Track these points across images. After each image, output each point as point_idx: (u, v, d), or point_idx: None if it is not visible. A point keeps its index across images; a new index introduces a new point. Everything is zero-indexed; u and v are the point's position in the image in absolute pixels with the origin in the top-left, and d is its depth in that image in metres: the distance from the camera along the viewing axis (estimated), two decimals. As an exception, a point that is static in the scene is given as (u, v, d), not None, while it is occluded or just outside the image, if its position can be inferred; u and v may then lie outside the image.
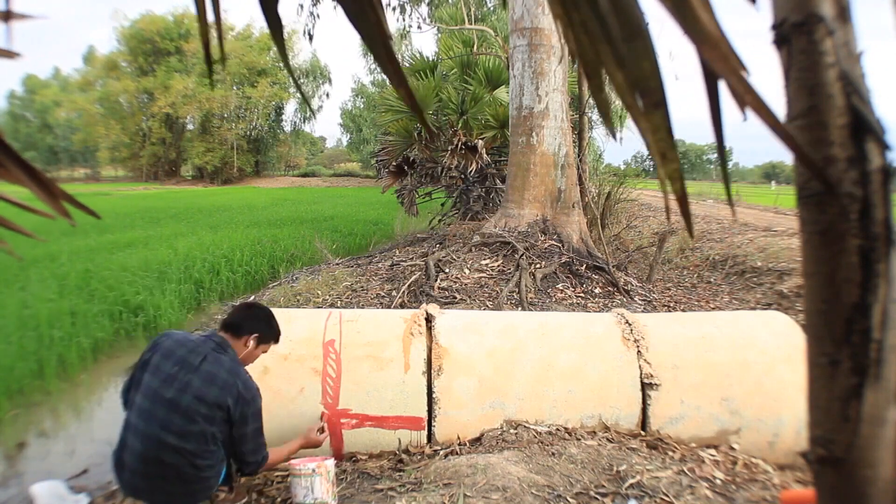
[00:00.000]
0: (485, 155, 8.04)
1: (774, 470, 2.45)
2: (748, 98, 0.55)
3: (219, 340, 2.14)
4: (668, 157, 0.59)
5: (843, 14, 0.60)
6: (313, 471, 2.10)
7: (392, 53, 0.62)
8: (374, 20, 0.61)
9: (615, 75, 0.58)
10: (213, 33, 0.69)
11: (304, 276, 6.99)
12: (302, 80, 46.86)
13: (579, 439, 2.51)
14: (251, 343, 2.19)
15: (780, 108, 0.62)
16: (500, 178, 8.71)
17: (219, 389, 2.02)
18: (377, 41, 0.61)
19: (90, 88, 47.92)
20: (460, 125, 8.45)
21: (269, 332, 2.25)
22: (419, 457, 2.49)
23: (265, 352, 2.28)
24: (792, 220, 11.13)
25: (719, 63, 0.55)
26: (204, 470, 2.05)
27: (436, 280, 5.21)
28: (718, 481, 2.23)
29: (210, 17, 0.67)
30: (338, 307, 5.07)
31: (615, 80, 0.58)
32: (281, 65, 46.10)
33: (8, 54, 0.72)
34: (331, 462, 2.18)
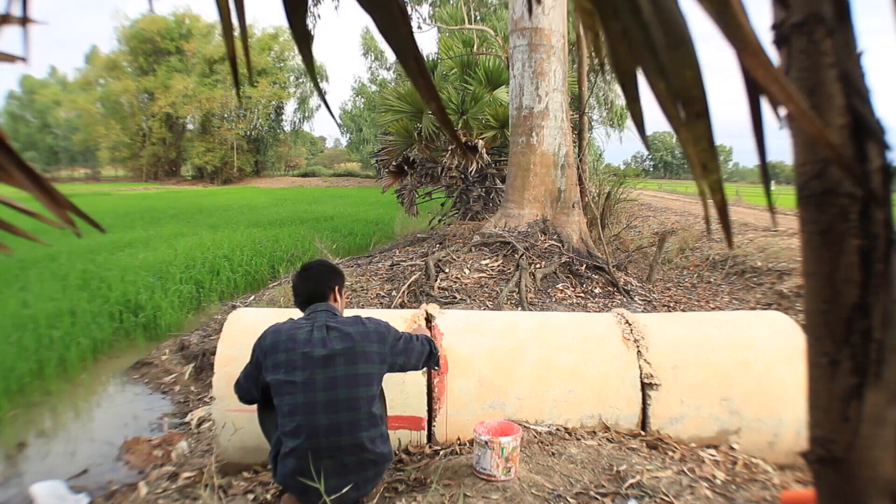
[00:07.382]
0: (485, 155, 8.04)
1: (774, 470, 2.45)
2: (791, 106, 0.54)
3: (324, 308, 2.09)
4: (708, 167, 0.58)
5: (843, 14, 0.60)
6: (486, 443, 2.15)
7: (423, 67, 0.61)
8: (406, 33, 0.60)
9: (657, 85, 0.57)
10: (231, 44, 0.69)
11: (304, 276, 6.97)
12: (301, 80, 46.89)
13: (579, 439, 2.51)
14: (338, 297, 2.19)
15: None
16: (500, 178, 8.70)
17: (359, 341, 1.98)
18: (408, 55, 0.61)
19: (91, 88, 48.00)
20: (460, 125, 8.45)
21: (340, 277, 2.23)
22: (419, 457, 2.49)
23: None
24: (792, 220, 11.12)
25: (759, 71, 0.54)
26: (378, 443, 1.98)
27: (436, 280, 5.21)
28: (718, 481, 2.23)
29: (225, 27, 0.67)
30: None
31: (656, 89, 0.57)
32: (281, 65, 46.16)
33: (11, 58, 0.72)
34: (507, 439, 2.15)
